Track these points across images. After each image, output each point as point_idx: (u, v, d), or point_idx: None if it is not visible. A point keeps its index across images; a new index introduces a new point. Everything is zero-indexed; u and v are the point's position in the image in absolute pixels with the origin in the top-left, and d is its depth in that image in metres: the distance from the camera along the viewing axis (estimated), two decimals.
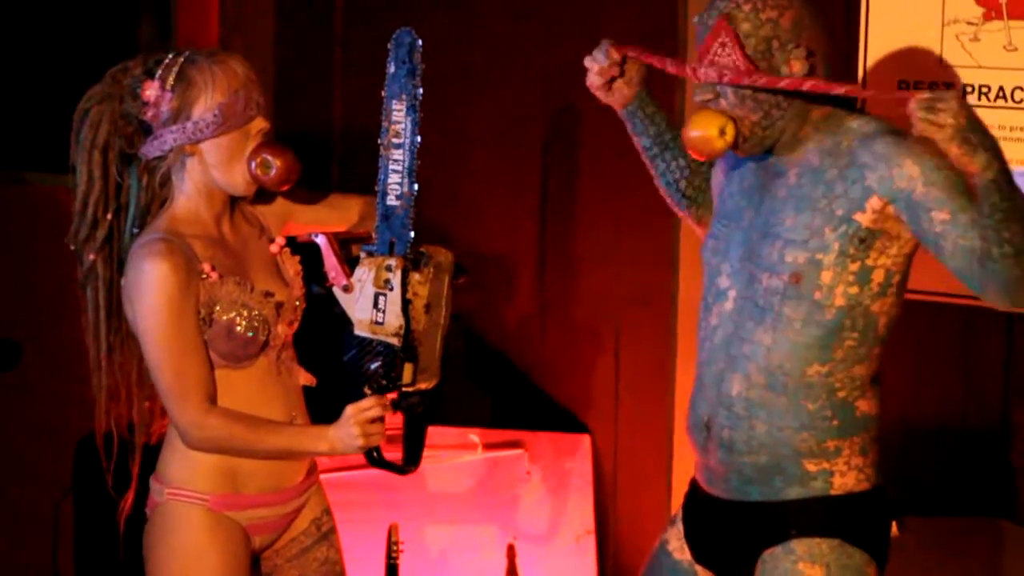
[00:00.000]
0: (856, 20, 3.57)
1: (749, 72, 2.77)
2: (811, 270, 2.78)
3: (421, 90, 2.89)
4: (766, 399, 2.83)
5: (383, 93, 2.91)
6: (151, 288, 2.87)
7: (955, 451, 3.77)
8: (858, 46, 3.63)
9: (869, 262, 2.78)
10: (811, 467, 2.84)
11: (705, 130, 2.80)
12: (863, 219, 2.76)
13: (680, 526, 3.01)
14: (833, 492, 2.84)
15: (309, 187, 3.16)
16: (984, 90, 3.54)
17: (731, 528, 2.91)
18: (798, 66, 2.78)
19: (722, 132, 2.80)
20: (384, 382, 2.89)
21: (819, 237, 2.77)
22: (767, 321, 2.81)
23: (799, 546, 2.82)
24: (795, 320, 2.79)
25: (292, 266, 3.06)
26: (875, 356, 2.84)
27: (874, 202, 2.75)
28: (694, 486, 3.01)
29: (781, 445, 2.83)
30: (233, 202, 3.02)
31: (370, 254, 2.91)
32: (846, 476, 2.84)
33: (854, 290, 2.78)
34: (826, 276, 2.77)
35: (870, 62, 3.59)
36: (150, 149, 2.96)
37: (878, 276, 2.79)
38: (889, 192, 2.73)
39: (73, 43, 4.65)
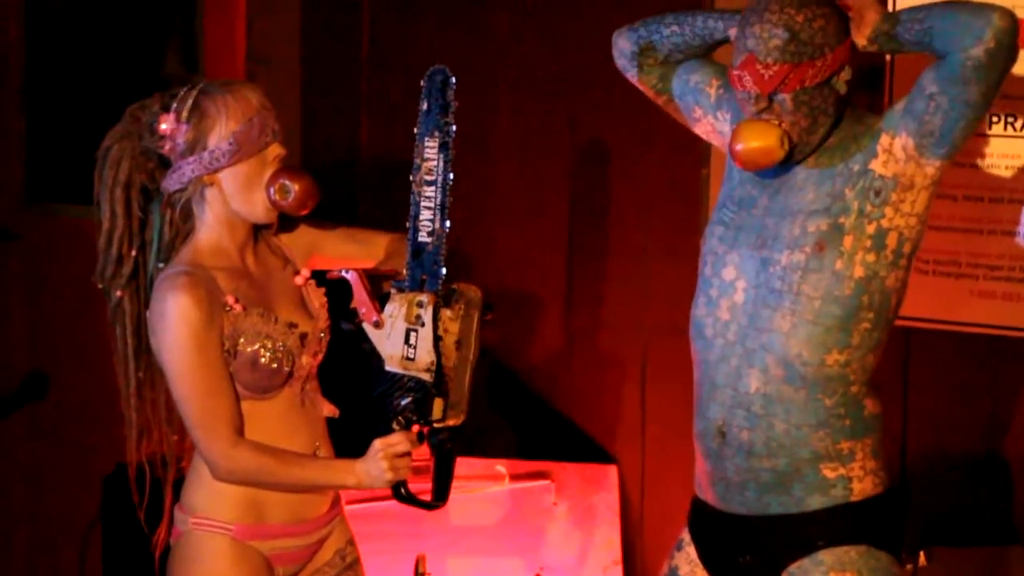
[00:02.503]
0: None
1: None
2: (834, 236, 2.81)
3: (454, 127, 2.90)
4: (784, 394, 2.83)
5: (416, 130, 2.92)
6: (175, 322, 2.88)
7: (983, 481, 3.76)
8: (884, 58, 3.64)
9: (884, 223, 2.82)
10: (829, 473, 2.85)
11: (767, 141, 2.80)
12: (876, 165, 2.81)
13: (688, 550, 3.00)
14: (854, 499, 2.86)
15: (334, 217, 3.17)
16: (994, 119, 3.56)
17: (752, 545, 2.91)
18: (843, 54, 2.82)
19: (782, 143, 2.80)
20: (415, 417, 2.89)
21: (840, 200, 2.82)
22: (785, 305, 2.82)
23: (827, 556, 2.84)
24: (815, 299, 2.81)
25: (317, 298, 3.07)
26: (882, 345, 2.88)
27: (883, 140, 2.81)
28: (701, 506, 2.99)
29: (799, 446, 2.84)
30: (257, 233, 3.04)
31: (400, 290, 2.92)
32: (864, 481, 2.86)
33: (871, 257, 2.81)
34: (847, 241, 2.81)
35: (897, 69, 3.61)
36: (170, 183, 2.98)
37: (892, 241, 2.82)
38: (892, 123, 2.80)
39: (100, 76, 4.67)
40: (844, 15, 2.82)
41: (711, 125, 3.05)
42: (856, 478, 2.86)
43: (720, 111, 3.02)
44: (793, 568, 2.86)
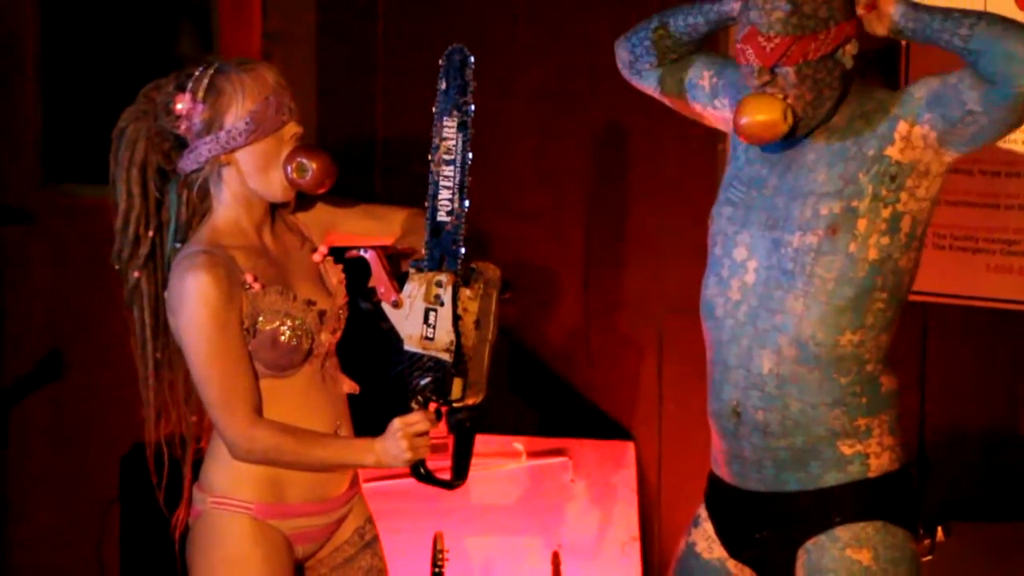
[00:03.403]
0: None
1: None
2: (847, 219, 2.80)
3: (473, 107, 2.89)
4: (798, 374, 2.83)
5: (434, 109, 2.91)
6: (194, 301, 2.88)
7: (1001, 457, 3.75)
8: (899, 46, 3.62)
9: (899, 207, 2.81)
10: (846, 450, 2.85)
11: (770, 114, 2.79)
12: (893, 152, 2.80)
13: (705, 526, 3.01)
14: (871, 475, 2.86)
15: (352, 197, 3.17)
16: None
17: (769, 521, 2.91)
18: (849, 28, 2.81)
19: (785, 116, 2.79)
20: (434, 397, 2.90)
21: (854, 184, 2.80)
22: (798, 286, 2.81)
23: (844, 532, 2.84)
24: (828, 280, 2.80)
25: (335, 275, 3.07)
26: (895, 323, 2.87)
27: (901, 128, 2.80)
28: (718, 482, 3.00)
29: (815, 424, 2.84)
30: (274, 211, 3.04)
31: (419, 270, 2.92)
32: (881, 457, 2.87)
33: (885, 240, 2.81)
34: (861, 224, 2.80)
35: (911, 62, 3.59)
36: (187, 163, 2.98)
37: (906, 224, 2.82)
38: (911, 110, 2.79)
39: (115, 56, 4.67)
40: None
41: (713, 115, 3.06)
42: (873, 454, 2.86)
43: (717, 99, 3.02)
44: (809, 544, 2.87)
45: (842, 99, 2.84)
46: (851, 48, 2.81)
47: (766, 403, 2.85)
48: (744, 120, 2.80)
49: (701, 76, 3.03)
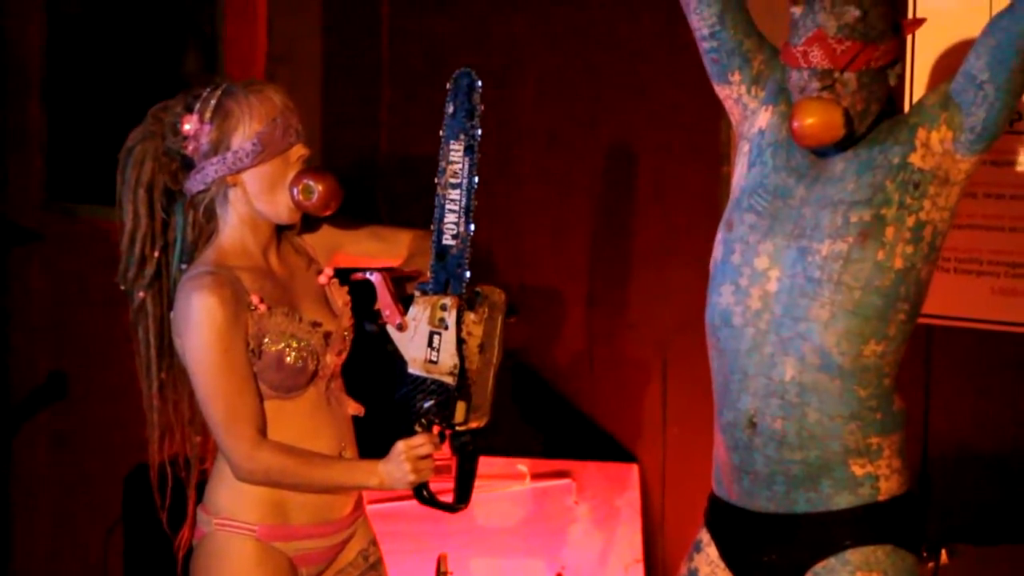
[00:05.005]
0: (903, 15, 3.56)
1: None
2: (876, 227, 2.82)
3: (480, 131, 2.90)
4: (820, 383, 2.83)
5: (441, 133, 2.92)
6: (200, 322, 2.89)
7: (1005, 479, 3.75)
8: (905, 43, 3.63)
9: (923, 215, 2.84)
10: (857, 470, 2.85)
11: (832, 117, 2.80)
12: (915, 159, 2.83)
13: (708, 550, 2.99)
14: (881, 498, 2.86)
15: (356, 219, 3.17)
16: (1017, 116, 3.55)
17: (777, 543, 2.91)
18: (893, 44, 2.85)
19: (845, 120, 2.81)
20: (437, 420, 2.90)
21: (882, 192, 2.83)
22: (824, 294, 2.82)
23: (854, 556, 2.84)
24: (855, 289, 2.81)
25: (341, 296, 3.07)
26: (909, 337, 2.89)
27: (920, 134, 2.84)
28: (722, 504, 2.99)
29: (830, 438, 2.84)
30: (280, 233, 3.04)
31: (424, 293, 2.92)
32: (890, 480, 2.88)
33: (910, 249, 2.83)
34: (889, 232, 2.83)
35: (918, 58, 3.60)
36: (193, 183, 2.98)
37: (928, 234, 2.85)
38: (927, 116, 2.83)
39: (120, 76, 4.68)
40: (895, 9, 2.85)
41: (740, 93, 3.02)
42: (883, 476, 2.87)
43: (756, 86, 3.01)
44: (819, 568, 2.86)
45: (882, 116, 2.87)
46: (898, 68, 2.86)
47: (785, 412, 2.85)
48: (807, 121, 2.81)
49: (755, 55, 3.01)
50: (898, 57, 2.85)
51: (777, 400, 2.86)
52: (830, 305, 2.82)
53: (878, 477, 2.86)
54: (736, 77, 3.02)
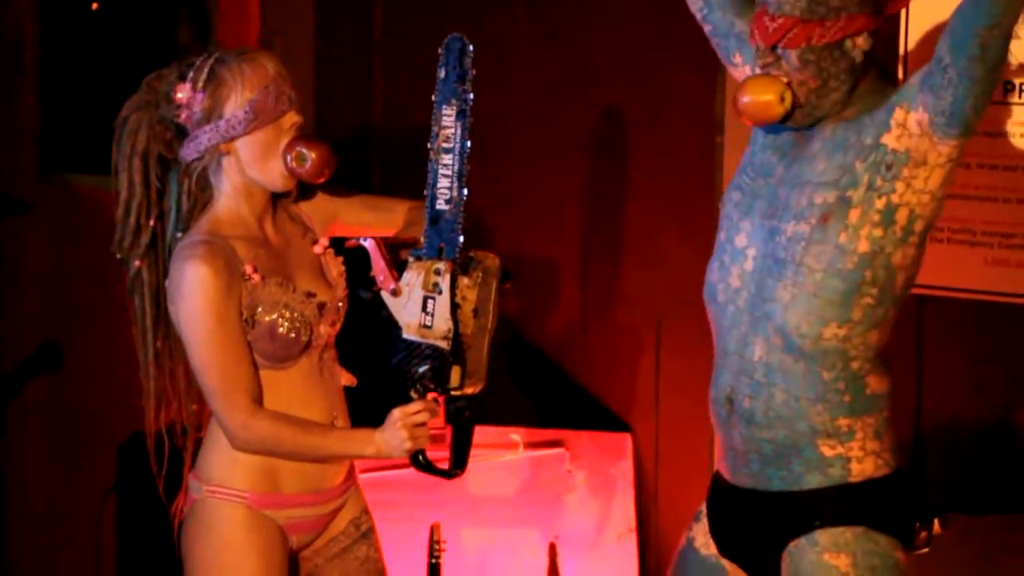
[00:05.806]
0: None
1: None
2: (840, 209, 2.77)
3: (471, 95, 2.90)
4: (784, 364, 2.81)
5: (433, 98, 2.92)
6: (194, 291, 2.89)
7: (998, 448, 3.76)
8: (899, 27, 3.63)
9: (895, 198, 2.78)
10: (827, 451, 2.83)
11: (764, 95, 2.78)
12: (889, 140, 2.76)
13: (705, 521, 3.00)
14: (852, 479, 2.83)
15: (352, 189, 3.17)
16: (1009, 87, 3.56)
17: (755, 520, 2.90)
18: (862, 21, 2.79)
19: (782, 98, 2.78)
20: (432, 385, 2.90)
21: (850, 173, 2.78)
22: (787, 275, 2.79)
23: (823, 536, 2.82)
24: (816, 271, 2.77)
25: (335, 267, 3.07)
26: (888, 322, 2.84)
27: (898, 115, 2.76)
28: (717, 478, 2.99)
29: (797, 419, 2.82)
30: (275, 201, 3.04)
31: (418, 258, 2.92)
32: (864, 462, 2.84)
33: (878, 232, 2.77)
34: (854, 214, 2.77)
35: (911, 43, 3.60)
36: (187, 151, 2.98)
37: (902, 217, 2.78)
38: (907, 96, 2.75)
39: (113, 47, 4.67)
40: None
41: (746, 74, 3.00)
42: (855, 459, 2.83)
43: (737, 54, 3.01)
44: (792, 547, 2.85)
45: (852, 92, 2.83)
46: (862, 42, 2.79)
47: (754, 391, 2.84)
48: (743, 99, 2.80)
49: (741, 21, 3.00)
50: (858, 32, 2.78)
51: (747, 379, 2.85)
52: (792, 286, 2.79)
53: (850, 459, 2.82)
54: (738, 59, 3.03)
